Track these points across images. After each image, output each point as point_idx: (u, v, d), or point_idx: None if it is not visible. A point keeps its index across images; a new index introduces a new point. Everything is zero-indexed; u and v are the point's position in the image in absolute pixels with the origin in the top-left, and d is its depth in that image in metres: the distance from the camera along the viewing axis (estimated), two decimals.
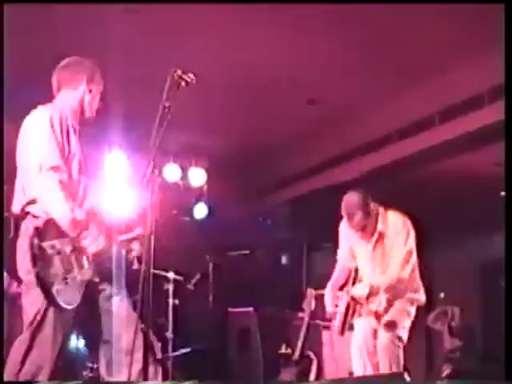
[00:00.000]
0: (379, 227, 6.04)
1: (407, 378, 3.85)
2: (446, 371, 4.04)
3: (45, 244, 4.03)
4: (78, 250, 4.21)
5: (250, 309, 9.11)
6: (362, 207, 5.94)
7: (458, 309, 11.58)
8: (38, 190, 4.19)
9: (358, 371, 6.05)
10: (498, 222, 5.06)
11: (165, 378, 7.67)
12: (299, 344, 7.70)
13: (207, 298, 8.85)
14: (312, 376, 7.55)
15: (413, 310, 6.13)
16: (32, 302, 4.21)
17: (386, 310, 6.05)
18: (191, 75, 4.03)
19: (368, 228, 6.05)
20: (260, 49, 7.31)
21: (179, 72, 4.02)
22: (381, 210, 6.12)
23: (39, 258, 4.01)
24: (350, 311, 6.08)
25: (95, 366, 6.40)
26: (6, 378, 4.25)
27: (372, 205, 6.03)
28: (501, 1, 5.14)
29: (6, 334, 5.35)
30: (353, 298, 6.06)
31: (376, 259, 6.14)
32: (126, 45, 7.04)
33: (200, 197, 10.98)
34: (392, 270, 5.95)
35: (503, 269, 4.58)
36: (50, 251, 4.05)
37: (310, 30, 6.85)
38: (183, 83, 4.03)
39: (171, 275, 8.31)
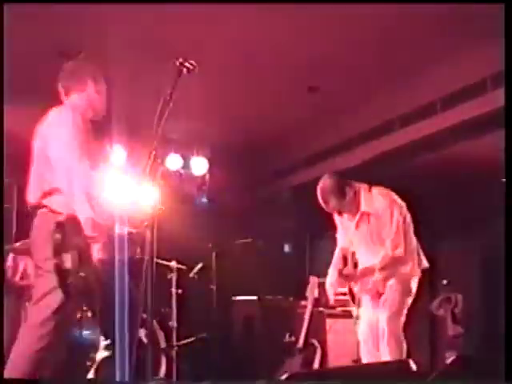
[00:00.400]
0: (362, 207, 6.04)
1: (413, 365, 3.81)
2: (451, 357, 4.01)
3: (65, 239, 4.28)
4: (89, 249, 4.40)
5: (254, 297, 9.10)
6: (333, 192, 6.02)
7: (461, 296, 11.59)
8: (67, 184, 4.41)
9: (366, 359, 6.19)
10: (502, 208, 5.03)
11: (169, 367, 7.69)
12: (303, 332, 7.68)
13: (210, 286, 8.83)
14: (316, 364, 7.53)
15: (413, 286, 6.13)
16: (46, 287, 4.44)
17: (384, 290, 6.06)
18: (193, 62, 4.00)
19: (347, 210, 6.11)
20: (261, 37, 7.26)
21: (181, 59, 4.00)
22: (363, 189, 6.11)
23: (59, 251, 4.26)
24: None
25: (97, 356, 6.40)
26: (10, 368, 4.37)
27: (348, 187, 6.05)
28: (501, 1, 5.14)
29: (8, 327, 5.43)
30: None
31: (365, 239, 6.16)
32: (127, 33, 7.02)
33: (202, 186, 10.96)
34: (386, 249, 5.95)
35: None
36: (69, 246, 4.28)
37: (311, 17, 6.81)
38: (185, 70, 4.00)
39: (174, 264, 8.30)
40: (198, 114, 9.23)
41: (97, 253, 4.41)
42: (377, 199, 6.05)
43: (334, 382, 3.40)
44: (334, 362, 7.68)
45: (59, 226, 4.32)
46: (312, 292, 7.84)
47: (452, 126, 8.13)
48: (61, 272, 4.29)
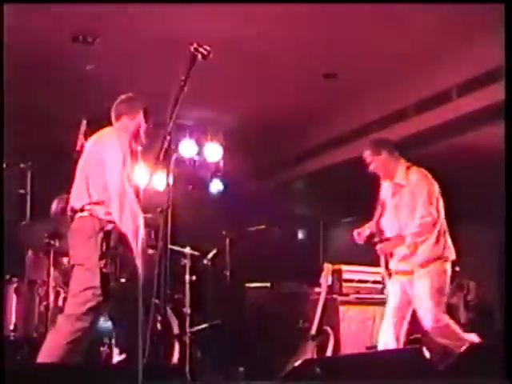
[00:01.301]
0: (397, 179, 6.53)
1: (426, 353, 3.80)
2: (465, 345, 4.02)
3: (111, 246, 4.82)
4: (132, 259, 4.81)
5: (267, 284, 9.10)
6: (370, 145, 6.69)
7: (473, 283, 11.57)
8: (118, 206, 4.90)
9: (389, 342, 6.32)
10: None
11: (182, 353, 7.71)
12: (316, 319, 7.69)
13: (224, 273, 8.83)
14: (329, 351, 7.53)
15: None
16: (85, 283, 4.87)
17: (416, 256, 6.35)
18: (207, 48, 3.98)
19: (377, 167, 6.59)
20: (275, 23, 7.24)
21: (195, 45, 3.98)
22: (402, 163, 6.60)
23: (104, 257, 4.78)
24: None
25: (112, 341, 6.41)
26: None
27: (385, 149, 6.60)
28: (501, 1, 5.19)
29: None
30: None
31: (395, 210, 6.52)
32: (141, 20, 7.02)
33: (216, 172, 10.95)
34: (416, 217, 6.31)
35: None
36: (113, 253, 4.82)
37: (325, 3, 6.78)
38: (199, 56, 3.98)
39: (188, 251, 8.30)
40: (212, 100, 9.22)
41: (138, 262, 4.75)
42: (412, 175, 6.48)
43: (347, 369, 3.40)
44: (347, 349, 7.67)
45: (107, 234, 4.83)
46: (326, 279, 7.84)
47: (467, 113, 8.11)
48: (104, 275, 4.76)
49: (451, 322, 6.37)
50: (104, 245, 4.79)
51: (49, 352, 4.76)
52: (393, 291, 6.49)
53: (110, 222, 4.90)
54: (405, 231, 6.36)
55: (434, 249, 6.34)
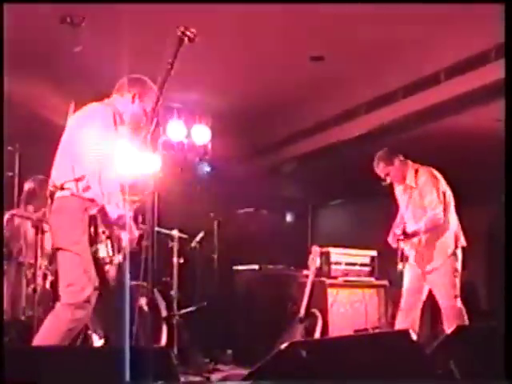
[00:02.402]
0: (407, 181, 7.17)
1: (413, 335, 3.82)
2: (452, 327, 4.06)
3: (99, 230, 4.68)
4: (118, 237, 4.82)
5: (255, 266, 9.11)
6: (383, 158, 7.19)
7: None
8: (97, 179, 4.74)
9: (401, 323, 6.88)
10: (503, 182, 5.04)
11: (170, 336, 7.72)
12: (304, 301, 7.71)
13: (212, 256, 8.84)
14: (317, 333, 7.56)
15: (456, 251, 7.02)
16: (76, 270, 4.74)
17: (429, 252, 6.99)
18: (194, 31, 3.97)
19: (394, 176, 7.20)
20: (264, 8, 7.21)
21: (182, 28, 3.96)
22: (411, 166, 7.23)
23: (94, 241, 4.67)
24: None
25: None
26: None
27: (396, 158, 7.19)
28: (501, 1, 5.18)
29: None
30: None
31: (411, 209, 7.17)
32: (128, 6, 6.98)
33: (204, 155, 10.93)
34: (427, 214, 6.93)
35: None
36: (102, 236, 4.69)
37: None
38: (186, 39, 3.97)
39: (175, 233, 8.30)
40: (200, 82, 9.20)
41: (126, 239, 4.80)
42: (421, 176, 7.12)
43: (333, 352, 3.41)
44: (335, 332, 7.70)
45: (92, 218, 4.66)
46: (314, 261, 7.87)
47: (456, 96, 8.11)
48: (97, 260, 4.67)
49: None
50: (92, 230, 4.66)
51: (46, 337, 4.66)
52: (408, 275, 7.04)
53: (91, 200, 4.74)
54: (420, 227, 6.93)
55: (447, 241, 6.96)
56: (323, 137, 10.32)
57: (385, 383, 3.35)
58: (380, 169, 7.20)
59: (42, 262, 6.88)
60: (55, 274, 5.59)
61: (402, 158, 7.23)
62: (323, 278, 8.01)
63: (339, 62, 8.60)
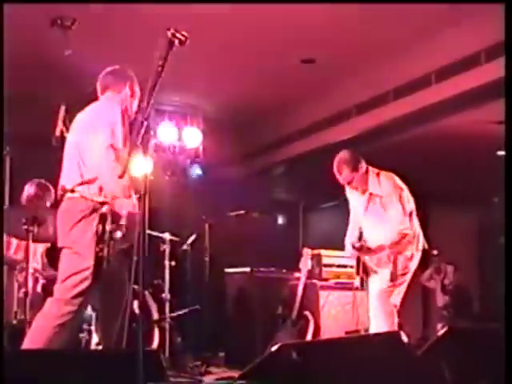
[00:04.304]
0: (370, 189, 6.55)
1: (404, 337, 3.83)
2: (443, 329, 4.04)
3: (106, 229, 4.63)
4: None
5: (247, 269, 9.11)
6: (347, 163, 6.51)
7: (451, 267, 11.70)
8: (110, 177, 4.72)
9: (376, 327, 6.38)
10: (496, 182, 5.06)
11: (161, 339, 7.72)
12: (296, 304, 7.72)
13: (203, 258, 8.83)
14: (309, 336, 7.57)
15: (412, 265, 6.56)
16: (75, 267, 4.77)
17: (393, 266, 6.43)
18: (185, 33, 3.96)
19: (357, 184, 6.58)
20: (255, 10, 7.22)
21: (172, 30, 3.95)
22: (372, 171, 6.60)
23: (101, 241, 4.64)
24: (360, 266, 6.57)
25: (92, 327, 6.43)
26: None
27: (361, 163, 6.54)
28: (501, 1, 5.19)
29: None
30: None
31: (373, 219, 6.58)
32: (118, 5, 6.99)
33: (195, 158, 10.93)
34: (392, 228, 6.37)
35: (502, 229, 4.58)
36: (108, 236, 4.63)
37: None
38: (176, 42, 3.96)
39: (167, 236, 8.30)
40: (191, 85, 9.21)
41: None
42: (383, 183, 6.53)
43: (324, 354, 3.42)
44: (327, 334, 7.71)
45: (102, 216, 4.64)
46: (305, 264, 7.87)
47: (447, 98, 8.13)
48: (99, 259, 4.63)
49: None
50: (100, 228, 4.64)
51: (35, 336, 4.69)
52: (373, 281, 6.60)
53: (103, 203, 4.72)
54: (385, 241, 6.40)
55: (411, 261, 6.53)
56: (315, 138, 10.33)
57: None
58: (343, 175, 6.55)
59: (34, 266, 6.88)
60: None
61: (363, 162, 6.59)
62: (315, 281, 8.01)
63: (330, 65, 8.62)
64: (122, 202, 4.71)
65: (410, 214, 6.46)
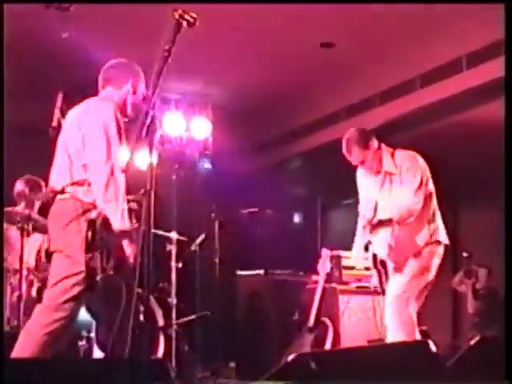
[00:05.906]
0: (384, 167, 6.47)
1: (433, 347, 3.81)
2: (475, 338, 3.99)
3: (97, 237, 4.67)
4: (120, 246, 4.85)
5: (261, 271, 9.11)
6: (357, 142, 6.43)
7: (484, 270, 11.55)
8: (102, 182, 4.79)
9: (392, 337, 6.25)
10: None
11: (167, 347, 7.72)
12: (314, 310, 7.71)
13: (213, 260, 8.84)
14: (328, 344, 7.56)
15: (434, 263, 6.39)
16: (65, 271, 4.82)
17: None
18: (194, 15, 3.95)
19: (369, 164, 6.50)
20: None
21: (180, 11, 3.94)
22: (385, 150, 6.53)
23: (90, 248, 4.67)
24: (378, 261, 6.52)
25: (91, 335, 6.45)
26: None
27: (372, 140, 6.46)
28: (501, 1, 5.30)
29: None
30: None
31: (387, 197, 6.45)
32: None
33: (205, 150, 10.93)
34: (403, 201, 6.29)
35: None
36: (99, 243, 4.69)
37: None
38: (185, 23, 3.95)
39: (174, 235, 8.30)
40: (200, 71, 9.21)
41: (127, 249, 4.85)
42: (401, 160, 6.43)
43: (345, 364, 3.40)
44: (347, 342, 7.70)
45: (91, 223, 4.68)
46: (324, 266, 7.85)
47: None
48: (90, 268, 4.67)
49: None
50: (89, 235, 4.67)
51: (24, 345, 4.72)
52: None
53: (93, 205, 4.80)
54: (392, 215, 6.33)
55: (421, 236, 6.39)
56: (334, 129, 10.32)
57: None
58: (354, 155, 6.47)
59: (28, 268, 6.90)
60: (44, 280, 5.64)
61: (375, 139, 6.51)
62: (334, 284, 8.00)
63: (350, 49, 8.61)
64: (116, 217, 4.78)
65: (430, 195, 6.40)
